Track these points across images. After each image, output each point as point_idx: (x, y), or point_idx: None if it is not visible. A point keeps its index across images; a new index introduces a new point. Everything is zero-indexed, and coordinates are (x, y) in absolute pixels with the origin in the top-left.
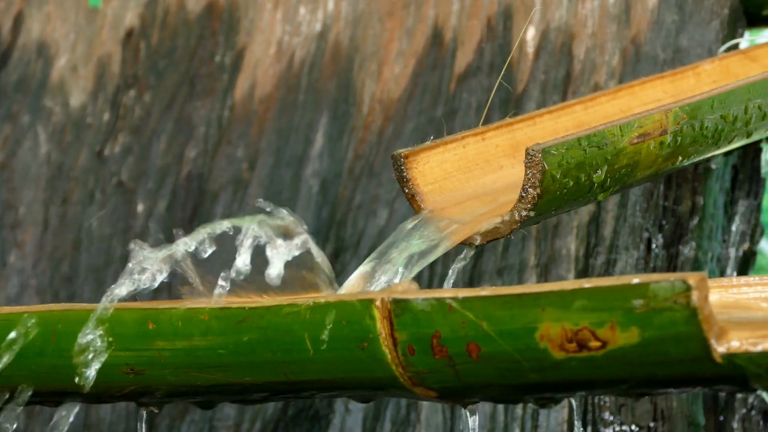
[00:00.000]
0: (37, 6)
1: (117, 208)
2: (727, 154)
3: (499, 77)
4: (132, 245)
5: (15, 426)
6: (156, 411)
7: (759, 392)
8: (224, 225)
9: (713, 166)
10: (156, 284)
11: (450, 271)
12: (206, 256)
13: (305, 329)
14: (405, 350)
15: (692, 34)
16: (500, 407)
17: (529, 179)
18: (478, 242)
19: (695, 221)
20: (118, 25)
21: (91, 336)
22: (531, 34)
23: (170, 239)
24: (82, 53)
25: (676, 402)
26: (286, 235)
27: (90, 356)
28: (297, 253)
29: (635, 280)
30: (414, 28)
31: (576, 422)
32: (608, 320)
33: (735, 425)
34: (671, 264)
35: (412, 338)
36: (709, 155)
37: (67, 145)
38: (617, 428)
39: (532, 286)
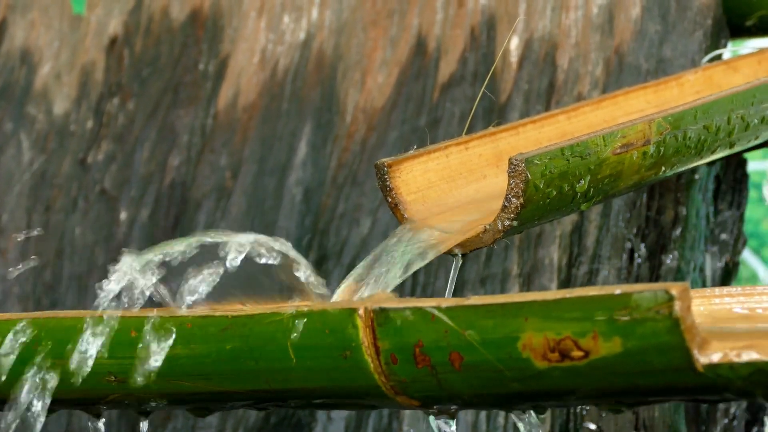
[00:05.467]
0: (20, 13)
1: (100, 215)
2: (710, 164)
3: (483, 87)
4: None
5: None
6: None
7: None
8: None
9: (696, 177)
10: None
11: (449, 283)
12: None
13: (288, 338)
14: (388, 359)
15: (675, 44)
16: (482, 417)
17: (512, 189)
18: (461, 252)
19: (678, 231)
20: (102, 33)
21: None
22: (514, 43)
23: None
24: (65, 61)
25: (658, 412)
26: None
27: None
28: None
29: (618, 290)
30: (398, 37)
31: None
32: (591, 330)
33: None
34: (654, 274)
35: (394, 347)
36: (692, 165)
37: (51, 152)
38: None
39: (514, 296)
